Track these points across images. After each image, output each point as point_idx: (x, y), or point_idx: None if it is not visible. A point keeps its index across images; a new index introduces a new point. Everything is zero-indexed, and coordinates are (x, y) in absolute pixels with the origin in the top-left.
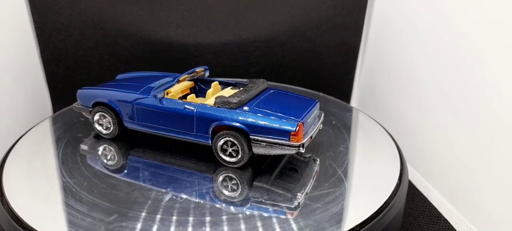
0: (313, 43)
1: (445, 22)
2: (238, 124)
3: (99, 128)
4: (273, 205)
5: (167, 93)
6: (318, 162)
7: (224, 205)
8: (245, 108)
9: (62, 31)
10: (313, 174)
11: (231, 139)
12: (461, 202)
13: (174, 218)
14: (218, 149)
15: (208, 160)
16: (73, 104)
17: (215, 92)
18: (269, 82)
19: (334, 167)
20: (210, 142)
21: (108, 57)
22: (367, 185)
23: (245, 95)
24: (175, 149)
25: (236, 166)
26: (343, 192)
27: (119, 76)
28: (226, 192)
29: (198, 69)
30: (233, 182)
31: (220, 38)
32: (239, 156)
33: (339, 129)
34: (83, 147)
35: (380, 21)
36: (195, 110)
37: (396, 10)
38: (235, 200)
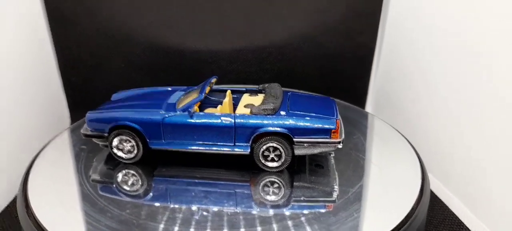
0: (326, 48)
1: (460, 26)
2: (280, 129)
3: (119, 153)
4: (322, 201)
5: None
6: (333, 155)
7: (281, 209)
8: (282, 113)
9: (79, 41)
10: (335, 169)
11: (274, 144)
12: (482, 209)
13: (242, 230)
14: (259, 156)
15: (238, 169)
16: (81, 131)
17: (230, 101)
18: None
19: (353, 179)
20: (249, 150)
21: (124, 66)
22: (388, 194)
23: (276, 101)
24: (196, 163)
25: (279, 169)
26: (362, 204)
27: (114, 97)
28: (273, 197)
29: (213, 79)
30: (275, 186)
31: (233, 45)
32: (283, 160)
33: (357, 136)
34: (94, 176)
35: (395, 25)
36: (234, 122)
37: (411, 13)
38: (285, 202)
